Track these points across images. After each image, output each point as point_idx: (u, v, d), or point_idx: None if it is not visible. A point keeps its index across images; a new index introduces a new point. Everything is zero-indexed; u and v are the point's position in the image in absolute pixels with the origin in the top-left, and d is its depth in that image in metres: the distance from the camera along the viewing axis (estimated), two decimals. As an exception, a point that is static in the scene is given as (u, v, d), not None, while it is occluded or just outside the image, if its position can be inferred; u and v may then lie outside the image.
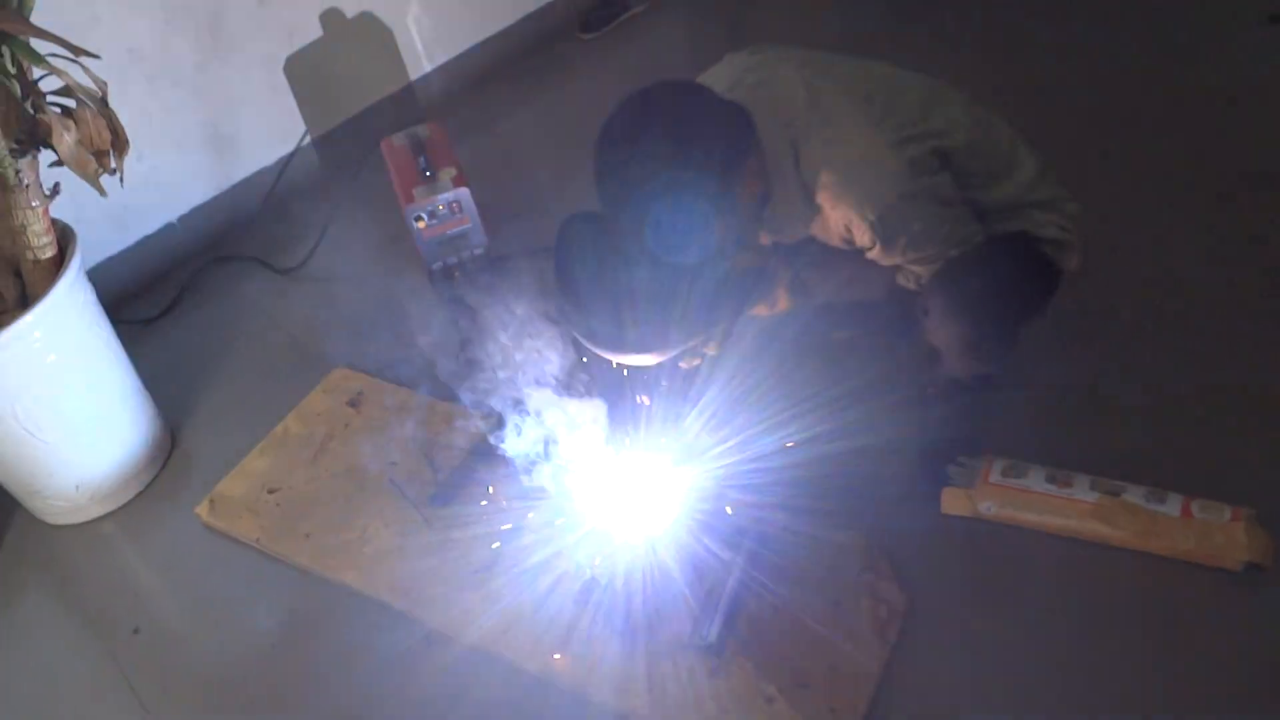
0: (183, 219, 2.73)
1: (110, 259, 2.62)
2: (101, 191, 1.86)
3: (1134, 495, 1.58)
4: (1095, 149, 2.39)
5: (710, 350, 1.78)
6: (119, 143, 1.77)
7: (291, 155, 2.84)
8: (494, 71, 3.24)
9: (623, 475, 1.74)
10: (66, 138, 1.66)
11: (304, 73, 2.81)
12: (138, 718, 1.73)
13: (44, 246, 1.82)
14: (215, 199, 2.77)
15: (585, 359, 1.71)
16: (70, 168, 1.72)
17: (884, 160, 1.35)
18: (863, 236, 1.41)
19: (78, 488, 2.04)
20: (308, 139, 2.87)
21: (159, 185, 2.65)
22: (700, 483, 1.75)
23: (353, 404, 2.19)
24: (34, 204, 1.77)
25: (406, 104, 3.07)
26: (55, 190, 1.81)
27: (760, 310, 1.67)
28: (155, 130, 2.58)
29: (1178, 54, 2.66)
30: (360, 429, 2.13)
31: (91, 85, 1.76)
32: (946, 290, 1.49)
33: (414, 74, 3.09)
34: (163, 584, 2.03)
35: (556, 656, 1.61)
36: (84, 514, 2.10)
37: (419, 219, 2.29)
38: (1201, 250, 2.09)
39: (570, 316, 1.40)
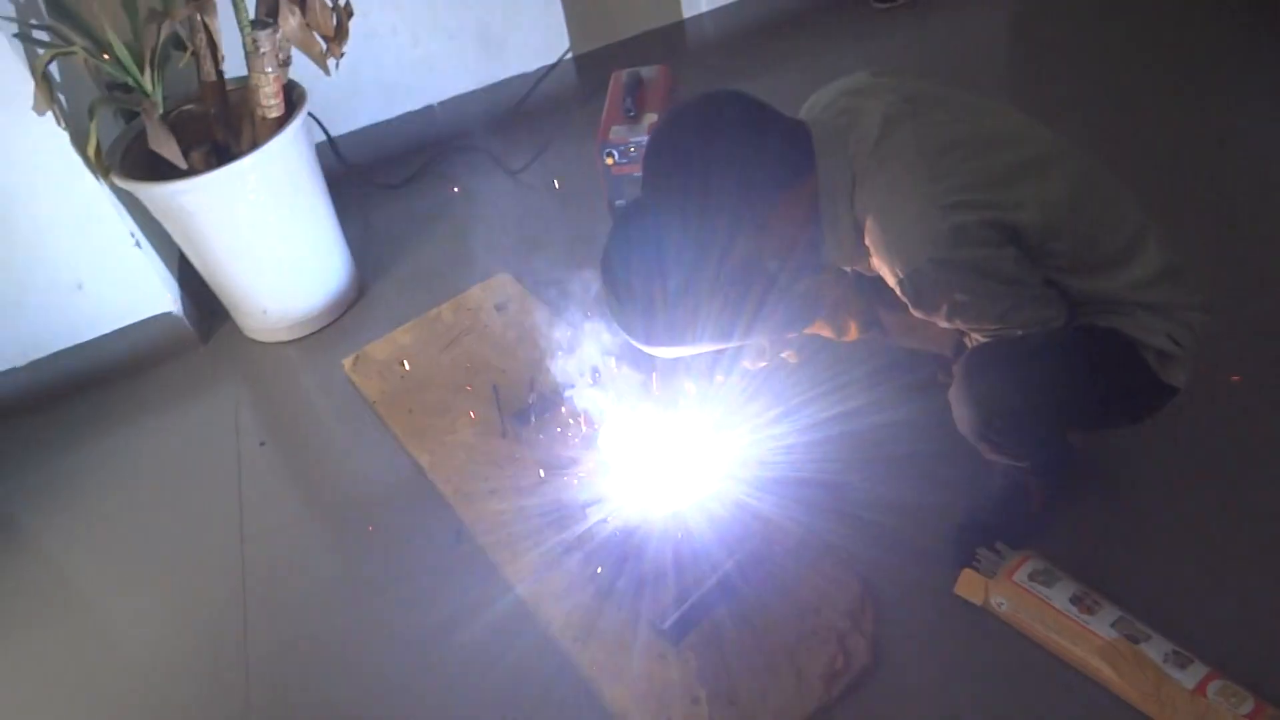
0: (442, 104, 3.02)
1: (374, 126, 2.97)
2: (326, 71, 2.14)
3: (1155, 648, 1.39)
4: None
5: (790, 358, 1.76)
6: (340, 32, 2.01)
7: (551, 67, 3.03)
8: (771, 26, 3.22)
9: (662, 447, 1.79)
10: (291, 20, 1.92)
11: (581, -9, 2.96)
12: (233, 509, 2.06)
13: (271, 107, 2.13)
14: (474, 93, 3.03)
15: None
16: (294, 44, 1.99)
17: (925, 219, 1.24)
18: (897, 291, 1.33)
19: (265, 312, 2.40)
20: (569, 55, 3.04)
21: (428, 70, 2.94)
22: (727, 468, 1.76)
23: (499, 308, 2.37)
24: (267, 70, 2.06)
25: (673, 41, 3.14)
26: (287, 61, 2.10)
27: (825, 332, 1.61)
28: (433, 19, 2.86)
29: None
30: (495, 333, 2.31)
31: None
32: (968, 365, 1.37)
33: (688, 12, 3.14)
34: (303, 412, 2.36)
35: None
36: (272, 335, 2.48)
37: (609, 155, 2.39)
38: None
39: (606, 300, 1.45)
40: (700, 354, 1.58)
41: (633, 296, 1.40)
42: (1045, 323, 1.34)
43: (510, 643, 1.67)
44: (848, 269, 1.57)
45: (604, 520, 1.77)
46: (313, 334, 2.49)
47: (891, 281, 1.32)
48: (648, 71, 2.58)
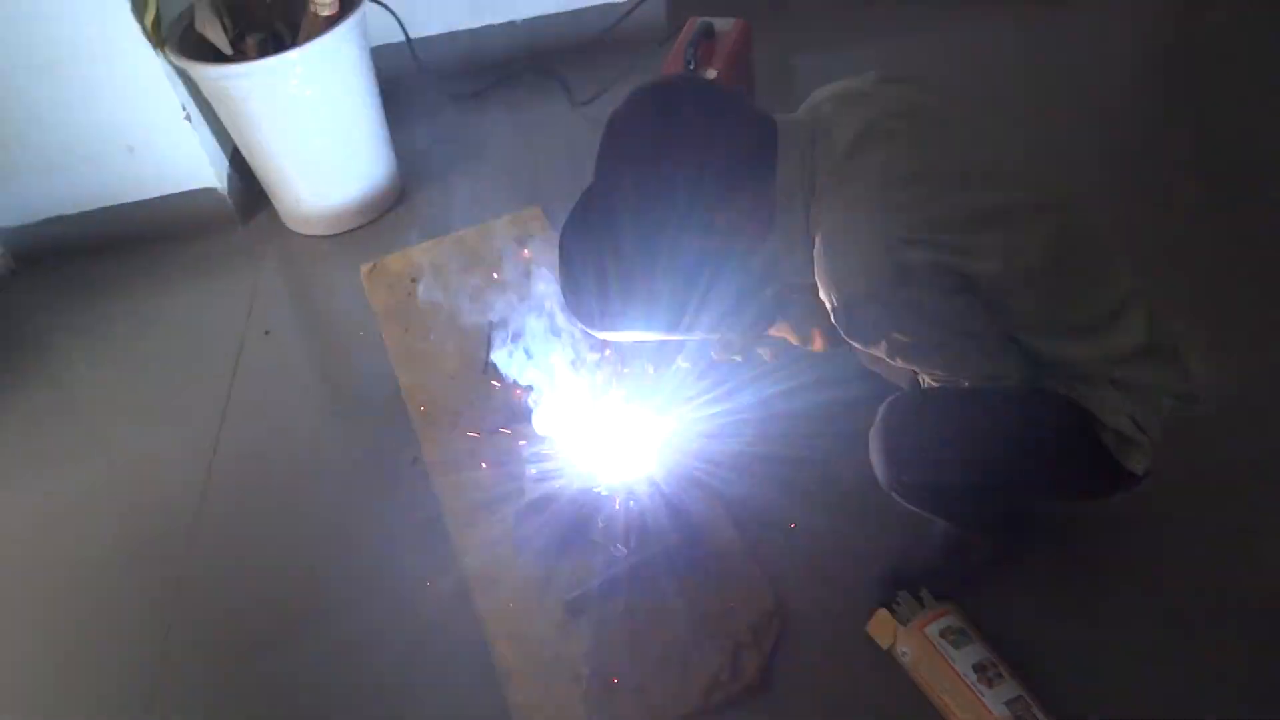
0: (526, 22, 2.97)
1: (455, 33, 2.95)
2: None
3: (1045, 739, 1.32)
4: None
5: (767, 356, 1.70)
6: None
7: (642, 0, 2.93)
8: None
9: (614, 426, 1.77)
10: (342, -79, 1.90)
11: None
12: (224, 387, 2.14)
13: (323, 5, 2.13)
14: (558, 15, 2.96)
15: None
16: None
17: (871, 251, 1.15)
18: (832, 318, 1.24)
19: (299, 202, 2.45)
20: (663, -10, 2.94)
21: (517, -15, 2.89)
22: (680, 448, 1.75)
23: (519, 242, 2.35)
24: (321, -34, 2.06)
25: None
26: (343, -40, 2.09)
27: (789, 337, 1.54)
28: (531, -65, 2.80)
29: None
30: (508, 267, 2.29)
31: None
32: (889, 410, 1.29)
33: (800, -39, 2.99)
34: (316, 309, 2.41)
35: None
36: (307, 227, 2.53)
37: (659, 106, 2.31)
38: None
39: (560, 283, 1.41)
40: (658, 341, 1.53)
41: (584, 280, 1.36)
42: (995, 379, 1.25)
43: (429, 575, 1.70)
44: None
45: (547, 480, 1.77)
46: (347, 232, 2.52)
47: (828, 307, 1.24)
48: (722, 24, 2.46)
